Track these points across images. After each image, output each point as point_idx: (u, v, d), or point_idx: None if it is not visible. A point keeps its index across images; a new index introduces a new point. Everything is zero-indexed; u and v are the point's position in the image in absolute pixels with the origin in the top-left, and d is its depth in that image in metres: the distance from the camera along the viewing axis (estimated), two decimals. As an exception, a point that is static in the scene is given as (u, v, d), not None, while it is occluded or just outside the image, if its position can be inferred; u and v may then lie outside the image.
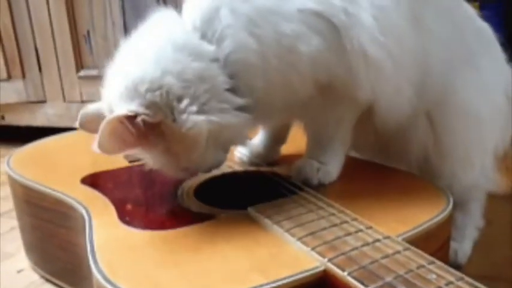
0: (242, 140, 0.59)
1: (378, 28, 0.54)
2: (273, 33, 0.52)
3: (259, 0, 0.53)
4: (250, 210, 0.52)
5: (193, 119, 0.50)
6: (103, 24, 1.26)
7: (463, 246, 0.69)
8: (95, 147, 0.48)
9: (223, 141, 0.54)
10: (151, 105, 0.49)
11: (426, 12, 0.60)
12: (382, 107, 0.58)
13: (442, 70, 0.62)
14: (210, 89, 0.51)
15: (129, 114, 0.48)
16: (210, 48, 0.52)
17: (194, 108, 0.50)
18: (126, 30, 1.23)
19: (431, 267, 0.39)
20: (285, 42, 0.53)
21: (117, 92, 0.51)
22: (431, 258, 0.41)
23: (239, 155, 0.69)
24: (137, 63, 0.52)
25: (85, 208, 0.55)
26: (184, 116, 0.50)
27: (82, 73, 1.31)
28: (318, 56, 0.53)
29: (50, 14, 1.30)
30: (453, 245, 0.67)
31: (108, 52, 1.26)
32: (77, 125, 0.58)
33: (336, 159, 0.61)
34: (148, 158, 0.54)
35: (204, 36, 0.53)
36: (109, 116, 0.48)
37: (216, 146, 0.53)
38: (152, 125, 0.49)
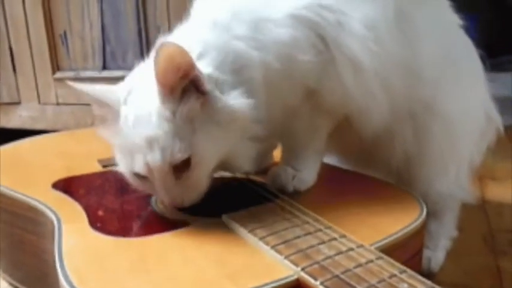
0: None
1: (371, 38, 0.55)
2: (271, 39, 0.53)
3: (254, 10, 0.54)
4: (225, 217, 0.51)
5: (239, 97, 0.50)
6: (80, 25, 1.24)
7: (436, 255, 0.70)
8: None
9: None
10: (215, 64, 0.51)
11: (415, 22, 0.61)
12: (365, 116, 0.59)
13: (430, 72, 0.63)
14: None
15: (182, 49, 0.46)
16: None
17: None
18: (104, 31, 1.22)
19: (403, 276, 0.39)
20: (282, 49, 0.54)
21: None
22: (403, 267, 0.41)
23: None
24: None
25: (55, 214, 0.54)
26: (234, 93, 0.50)
27: (58, 75, 1.29)
28: (310, 66, 0.55)
29: (25, 13, 1.27)
30: (426, 252, 0.68)
31: (86, 54, 1.26)
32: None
33: (311, 167, 0.61)
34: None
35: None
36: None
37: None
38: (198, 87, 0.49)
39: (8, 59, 1.32)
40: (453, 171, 0.68)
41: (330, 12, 0.55)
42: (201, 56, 0.51)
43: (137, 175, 0.52)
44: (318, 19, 0.54)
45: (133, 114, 0.50)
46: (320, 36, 0.55)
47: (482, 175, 1.03)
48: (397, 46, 0.58)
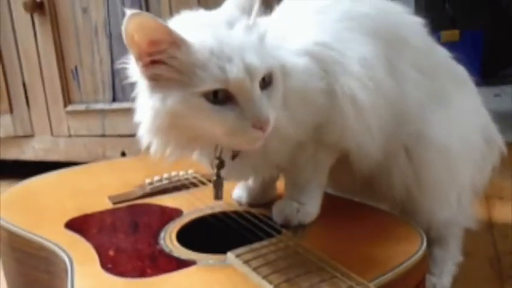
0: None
1: (367, 76, 0.58)
2: (290, 63, 0.56)
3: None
4: (230, 255, 0.53)
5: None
6: (91, 60, 1.28)
7: (441, 281, 0.70)
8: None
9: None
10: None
11: (401, 61, 0.65)
12: (361, 152, 0.61)
13: (416, 109, 0.65)
14: None
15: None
16: None
17: None
18: (113, 65, 1.26)
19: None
20: (300, 75, 0.56)
21: None
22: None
23: (236, 197, 0.70)
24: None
25: (67, 254, 0.56)
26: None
27: (69, 108, 1.33)
28: (320, 101, 0.58)
29: (37, 49, 1.32)
30: (432, 279, 0.69)
31: (96, 87, 1.30)
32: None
33: (314, 200, 0.63)
34: None
35: None
36: None
37: None
38: None
39: (22, 93, 1.37)
40: (454, 198, 0.69)
41: (333, 51, 0.59)
42: None
43: (218, 94, 0.49)
44: (324, 56, 0.58)
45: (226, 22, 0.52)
46: (325, 72, 0.58)
47: (489, 194, 1.03)
48: (388, 84, 0.62)
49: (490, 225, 0.93)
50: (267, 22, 0.57)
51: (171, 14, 1.15)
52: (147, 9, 1.19)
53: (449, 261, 0.72)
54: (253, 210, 0.67)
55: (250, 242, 0.55)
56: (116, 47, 1.24)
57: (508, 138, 0.76)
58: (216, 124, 0.50)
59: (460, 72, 0.73)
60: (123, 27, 0.48)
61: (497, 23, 2.02)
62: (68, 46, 1.30)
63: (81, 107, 1.31)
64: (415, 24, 0.69)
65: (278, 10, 0.65)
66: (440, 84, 0.69)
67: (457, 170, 0.68)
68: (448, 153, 0.66)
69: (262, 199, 0.69)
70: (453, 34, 1.86)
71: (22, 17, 1.30)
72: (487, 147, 0.73)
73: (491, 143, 0.73)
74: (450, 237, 0.73)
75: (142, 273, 0.52)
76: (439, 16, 1.98)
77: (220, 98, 0.49)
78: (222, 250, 0.54)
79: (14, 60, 1.35)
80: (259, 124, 0.49)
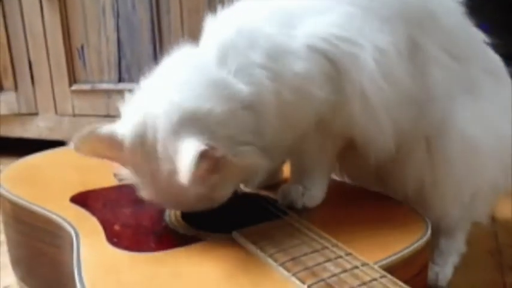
0: (257, 177, 0.60)
1: (379, 72, 0.55)
2: (287, 71, 0.54)
3: (269, 30, 0.55)
4: (235, 234, 0.53)
5: (246, 151, 0.52)
6: (97, 39, 1.28)
7: (444, 270, 0.70)
8: (183, 179, 0.47)
9: (249, 175, 0.56)
10: (216, 139, 0.50)
11: (428, 41, 0.60)
12: (370, 146, 0.59)
13: (442, 96, 0.61)
14: (241, 129, 0.53)
15: (206, 148, 0.47)
16: (241, 87, 0.53)
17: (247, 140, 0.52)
18: (120, 46, 1.25)
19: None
20: (298, 82, 0.54)
21: (168, 125, 0.51)
22: (405, 286, 0.42)
23: None
24: (192, 97, 0.52)
25: (73, 228, 0.56)
26: (242, 148, 0.52)
27: (75, 87, 1.33)
28: (325, 99, 0.56)
29: (44, 27, 1.31)
30: (435, 268, 0.69)
31: (102, 67, 1.30)
32: (72, 146, 0.55)
33: (320, 184, 0.63)
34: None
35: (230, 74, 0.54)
36: (192, 149, 0.47)
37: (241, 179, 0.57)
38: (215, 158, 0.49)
39: (27, 70, 1.37)
40: (468, 195, 0.65)
41: (344, 43, 0.55)
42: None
43: None
44: (333, 50, 0.55)
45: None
46: (334, 65, 0.56)
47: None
48: (406, 78, 0.58)
49: (493, 217, 0.93)
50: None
51: (180, 8, 1.17)
52: (157, 3, 1.18)
53: (454, 252, 0.72)
54: (261, 192, 0.67)
55: (257, 222, 0.56)
56: (122, 28, 1.24)
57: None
58: None
59: (497, 62, 0.67)
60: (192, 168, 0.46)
61: (502, 18, 2.01)
62: (74, 24, 1.29)
63: (87, 86, 1.31)
64: (448, 2, 0.63)
65: None
66: (474, 72, 0.63)
67: (480, 169, 0.63)
68: (475, 149, 0.61)
69: (269, 181, 0.68)
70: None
71: (29, -6, 1.30)
72: None
73: None
74: (458, 229, 0.71)
75: (147, 248, 0.52)
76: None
77: None
78: (228, 230, 0.54)
79: (20, 37, 1.34)
80: None
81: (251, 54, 0.54)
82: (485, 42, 0.67)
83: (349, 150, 0.63)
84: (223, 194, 0.55)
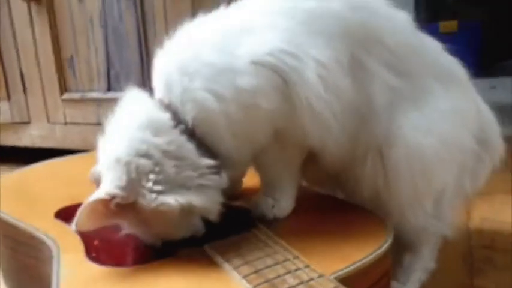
0: (215, 207, 0.58)
1: (322, 86, 0.58)
2: (232, 89, 0.56)
3: (208, 57, 0.57)
4: (206, 247, 0.57)
5: (160, 199, 0.54)
6: (86, 50, 1.31)
7: None
8: (73, 226, 0.53)
9: (198, 212, 0.57)
10: (126, 186, 0.54)
11: (370, 59, 0.62)
12: (325, 152, 0.63)
13: (384, 109, 0.63)
14: (179, 162, 0.55)
15: (106, 197, 0.53)
16: (166, 116, 0.57)
17: (159, 187, 0.54)
18: (108, 56, 1.29)
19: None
20: (245, 98, 0.56)
21: (103, 167, 0.57)
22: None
23: None
24: (115, 143, 0.57)
25: (55, 243, 0.59)
26: (153, 195, 0.54)
27: (65, 96, 1.36)
28: (277, 109, 0.58)
29: (34, 40, 1.35)
30: (396, 285, 0.68)
31: (91, 76, 1.33)
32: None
33: (288, 195, 0.66)
34: (125, 226, 0.58)
35: (168, 105, 0.58)
36: (88, 199, 0.53)
37: (191, 216, 0.57)
38: (128, 204, 0.54)
39: (19, 81, 1.41)
40: (430, 204, 0.66)
41: (289, 57, 0.57)
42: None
43: None
44: (279, 63, 0.57)
45: None
46: (280, 77, 0.58)
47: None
48: (349, 91, 0.60)
49: (466, 219, 0.95)
50: (226, 16, 0.59)
51: (164, 9, 1.19)
52: (141, 4, 1.21)
53: (419, 270, 0.71)
54: (234, 203, 0.70)
55: (229, 235, 0.59)
56: (110, 38, 1.27)
57: (502, 131, 0.73)
58: None
59: (451, 69, 0.68)
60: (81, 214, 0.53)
61: (497, 15, 2.03)
62: (63, 36, 1.33)
63: (77, 95, 1.35)
64: (394, 20, 0.65)
65: (243, 4, 0.63)
66: (421, 83, 0.65)
67: (433, 174, 0.65)
68: (422, 155, 0.63)
69: (231, 193, 0.68)
70: (451, 25, 1.84)
71: (19, 6, 1.33)
72: (482, 149, 0.69)
73: (487, 144, 0.70)
74: (423, 244, 0.70)
75: (123, 263, 0.56)
76: (439, 6, 1.98)
77: None
78: (202, 243, 0.58)
79: (12, 49, 1.38)
80: None
81: (193, 83, 0.57)
82: (440, 51, 0.68)
83: (311, 158, 0.65)
84: (175, 230, 0.57)
